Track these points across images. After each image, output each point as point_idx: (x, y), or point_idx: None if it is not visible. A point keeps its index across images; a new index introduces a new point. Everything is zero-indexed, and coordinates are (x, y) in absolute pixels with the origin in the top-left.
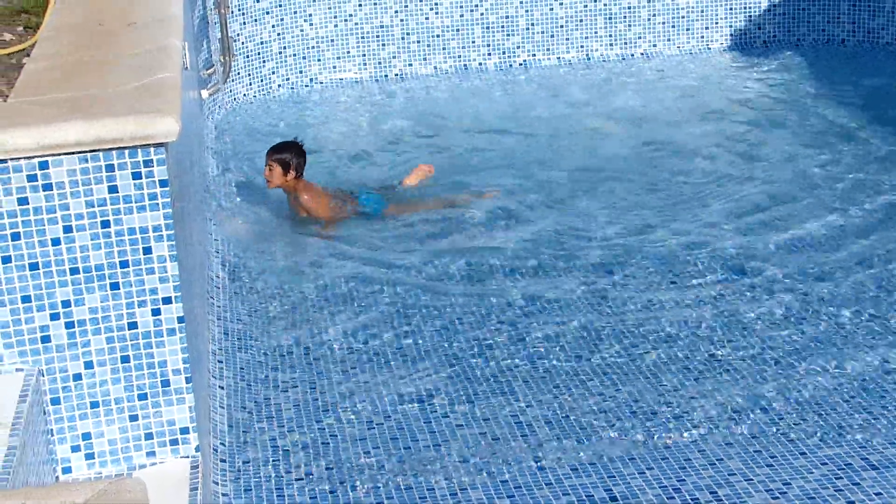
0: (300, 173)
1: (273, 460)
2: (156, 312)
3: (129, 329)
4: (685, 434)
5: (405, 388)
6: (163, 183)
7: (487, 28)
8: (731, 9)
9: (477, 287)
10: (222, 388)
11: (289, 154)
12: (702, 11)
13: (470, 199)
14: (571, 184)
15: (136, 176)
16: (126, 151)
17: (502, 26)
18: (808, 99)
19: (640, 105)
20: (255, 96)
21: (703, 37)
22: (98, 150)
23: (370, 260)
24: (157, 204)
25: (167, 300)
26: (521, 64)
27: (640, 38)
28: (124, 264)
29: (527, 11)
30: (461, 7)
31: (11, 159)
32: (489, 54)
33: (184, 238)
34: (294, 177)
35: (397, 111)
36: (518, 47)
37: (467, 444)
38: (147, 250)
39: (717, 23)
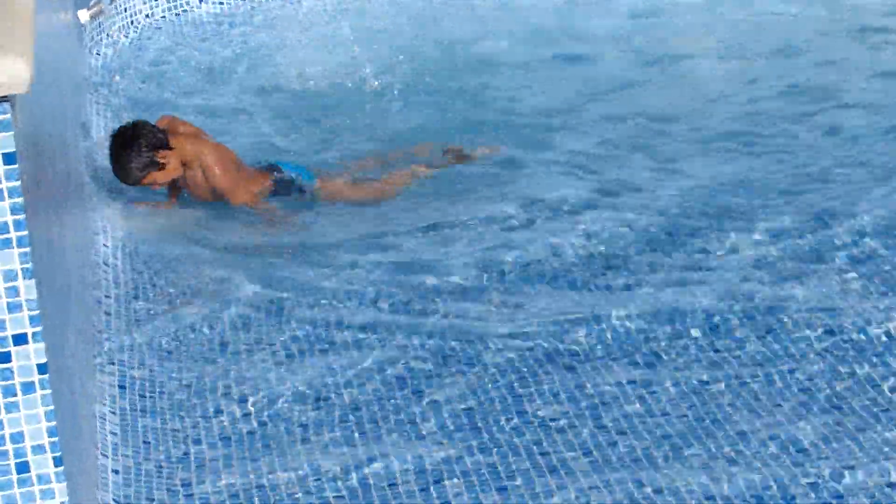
0: (168, 146)
1: None
2: (5, 359)
3: None
4: None
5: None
6: (8, 158)
7: None
8: None
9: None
10: (117, 471)
11: (142, 146)
12: None
13: (453, 160)
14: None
15: None
16: None
17: None
18: None
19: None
20: (162, 17)
21: None
22: None
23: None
24: (1, 189)
25: (20, 339)
26: None
27: None
28: None
29: None
30: None
31: None
32: None
33: (47, 242)
34: (170, 156)
35: (368, 39)
36: None
37: None
38: None
39: None
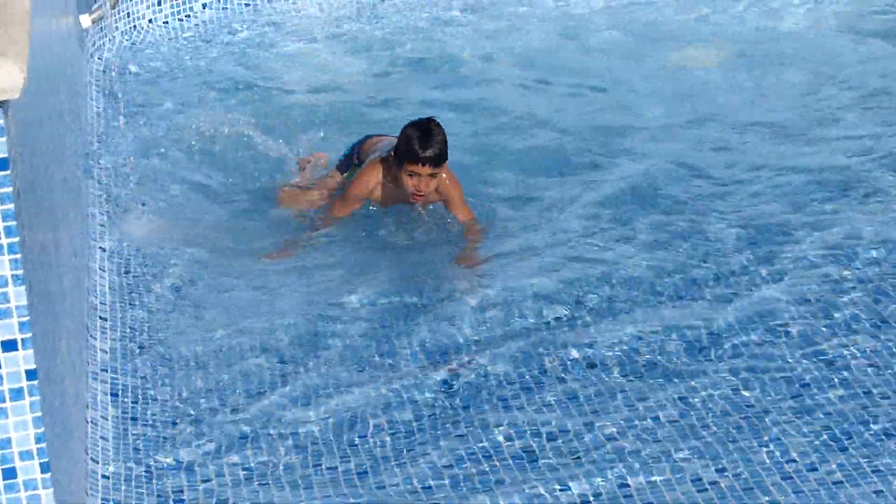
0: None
1: None
2: None
3: None
4: None
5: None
6: (1, 163)
7: None
8: None
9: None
10: (106, 476)
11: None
12: None
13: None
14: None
15: None
16: None
17: None
18: None
19: (757, 35)
20: (165, 22)
21: None
22: None
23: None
24: None
25: (10, 345)
26: None
27: None
28: None
29: None
30: None
31: None
32: None
33: (41, 247)
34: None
35: (377, 35)
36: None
37: None
38: None
39: None
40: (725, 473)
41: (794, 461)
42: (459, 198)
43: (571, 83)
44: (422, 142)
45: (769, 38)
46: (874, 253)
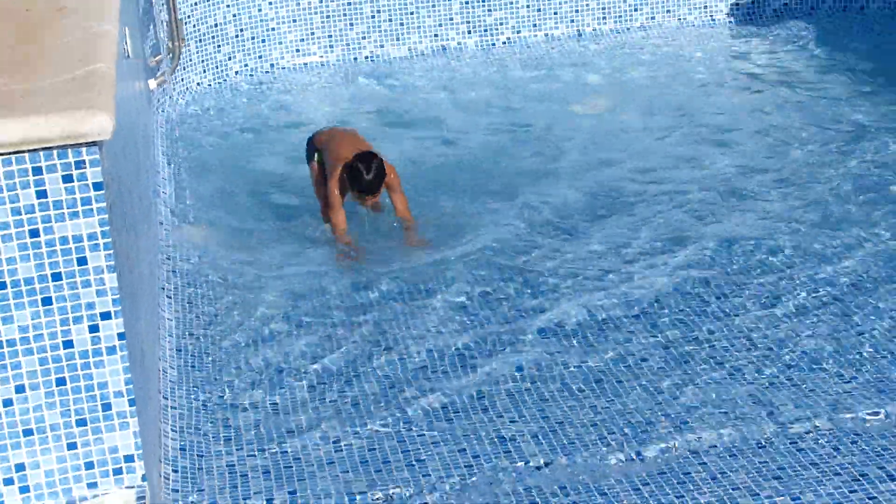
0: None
1: (231, 487)
2: (93, 329)
3: (63, 348)
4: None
5: (376, 407)
6: (97, 186)
7: (466, 2)
8: None
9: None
10: (175, 408)
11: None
12: None
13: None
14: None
15: (67, 179)
16: (55, 152)
17: (482, 0)
18: (823, 72)
19: (636, 86)
20: (209, 85)
21: (706, 7)
22: (24, 152)
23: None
24: (92, 210)
25: (106, 315)
26: (504, 42)
27: (636, 9)
28: (56, 277)
29: None
30: None
31: None
32: (469, 32)
33: (125, 246)
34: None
35: (368, 98)
36: (501, 23)
37: (444, 464)
38: (82, 261)
39: None
40: None
41: None
42: (398, 186)
43: (502, 123)
44: (365, 181)
45: (644, 88)
46: (737, 247)
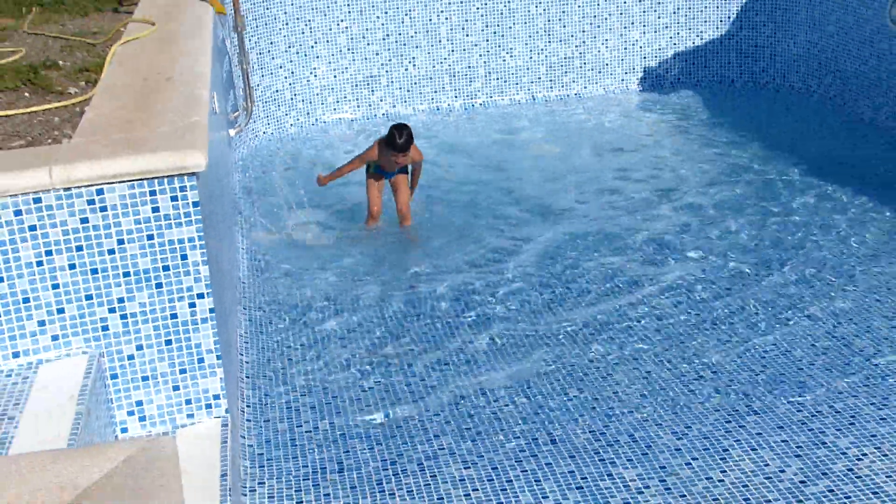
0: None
1: (287, 418)
2: (192, 305)
3: (170, 319)
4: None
5: (392, 345)
6: (195, 204)
7: (454, 76)
8: (644, 57)
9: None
10: (248, 362)
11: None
12: (622, 59)
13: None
14: (520, 198)
15: (174, 199)
16: (166, 180)
17: (466, 74)
18: (702, 127)
19: (574, 127)
20: (272, 134)
21: (623, 80)
22: (143, 179)
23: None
24: (191, 220)
25: (200, 296)
26: (481, 104)
27: (573, 81)
28: (166, 268)
29: (485, 62)
30: (433, 60)
31: (75, 187)
32: (456, 97)
33: (214, 246)
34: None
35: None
36: (478, 91)
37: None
38: (184, 257)
39: (633, 68)
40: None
41: None
42: (419, 167)
43: (481, 160)
44: (398, 142)
45: (579, 137)
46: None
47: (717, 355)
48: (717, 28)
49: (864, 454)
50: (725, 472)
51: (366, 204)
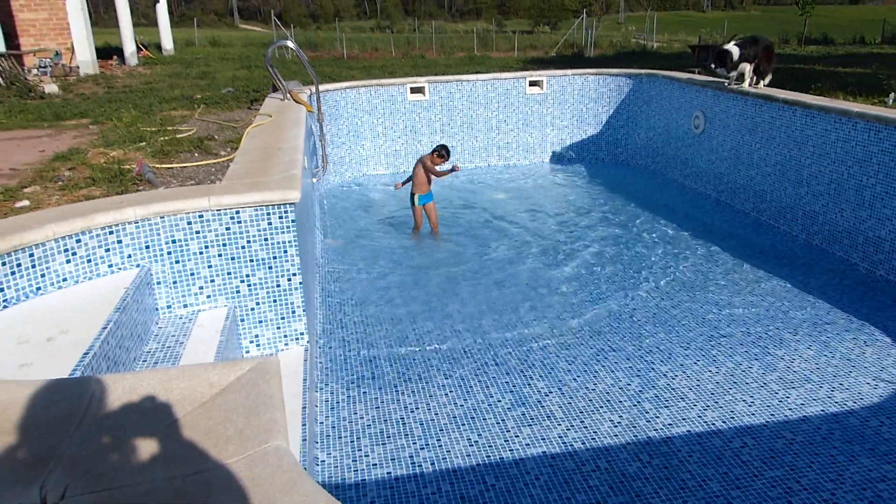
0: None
1: (341, 347)
2: (289, 280)
3: (276, 287)
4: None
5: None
6: (293, 221)
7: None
8: (552, 144)
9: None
10: (321, 314)
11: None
12: (540, 145)
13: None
14: (478, 224)
15: (281, 217)
16: (276, 207)
17: (451, 149)
18: (589, 186)
19: (516, 183)
20: (337, 182)
21: (541, 157)
22: (263, 206)
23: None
24: (291, 230)
25: (294, 274)
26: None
27: (512, 156)
28: (275, 258)
29: (460, 143)
30: (431, 142)
31: (223, 209)
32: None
33: (303, 245)
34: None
35: (404, 190)
36: (458, 159)
37: (433, 345)
38: (285, 251)
39: (546, 150)
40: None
41: None
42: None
43: (460, 201)
44: (447, 149)
45: (517, 190)
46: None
47: (582, 318)
48: (595, 128)
49: (676, 375)
50: (597, 384)
51: (412, 222)
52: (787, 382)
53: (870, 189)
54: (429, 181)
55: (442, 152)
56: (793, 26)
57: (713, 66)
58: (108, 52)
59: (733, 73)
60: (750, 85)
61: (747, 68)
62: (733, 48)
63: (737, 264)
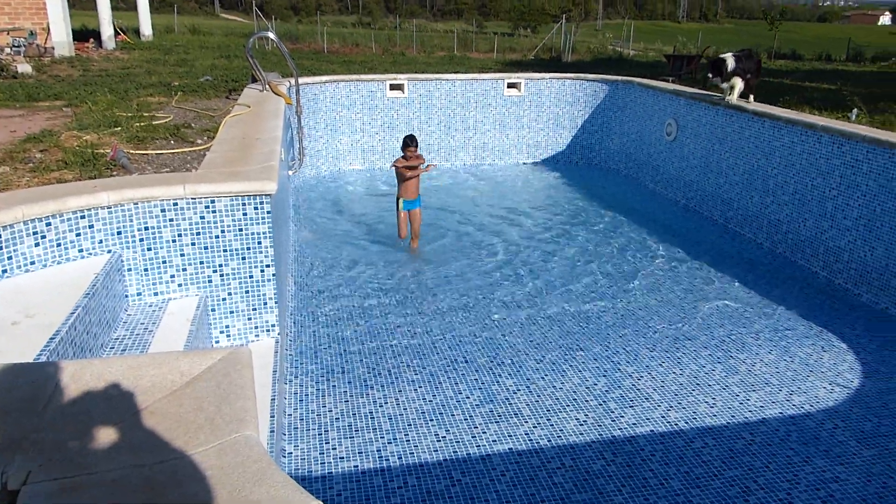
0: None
1: (312, 340)
2: (262, 271)
3: (249, 278)
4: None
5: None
6: (268, 212)
7: (424, 149)
8: (528, 146)
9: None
10: (292, 306)
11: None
12: (517, 146)
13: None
14: (460, 219)
15: (257, 209)
16: (252, 197)
17: (431, 148)
18: (562, 188)
19: (491, 183)
20: (312, 175)
21: (517, 158)
22: (239, 196)
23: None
24: (265, 221)
25: (267, 265)
26: (440, 164)
27: (491, 156)
28: (249, 248)
29: (438, 142)
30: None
31: (198, 198)
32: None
33: (278, 237)
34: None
35: (384, 184)
36: (436, 157)
37: (401, 340)
38: (259, 242)
39: (523, 152)
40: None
41: None
42: (423, 161)
43: (443, 199)
44: (411, 139)
45: (496, 187)
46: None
47: (557, 308)
48: (570, 132)
49: (641, 376)
50: (564, 383)
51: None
52: (748, 385)
53: (831, 200)
54: (416, 187)
55: (408, 142)
56: (764, 40)
57: (709, 75)
58: (84, 34)
59: (726, 85)
60: (738, 99)
61: (738, 82)
62: (729, 58)
63: (703, 270)
